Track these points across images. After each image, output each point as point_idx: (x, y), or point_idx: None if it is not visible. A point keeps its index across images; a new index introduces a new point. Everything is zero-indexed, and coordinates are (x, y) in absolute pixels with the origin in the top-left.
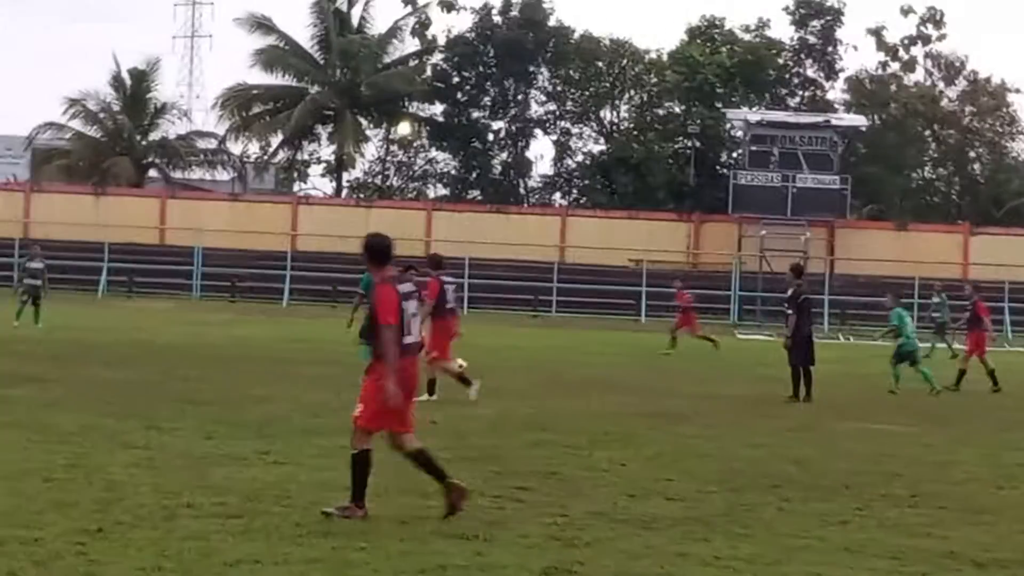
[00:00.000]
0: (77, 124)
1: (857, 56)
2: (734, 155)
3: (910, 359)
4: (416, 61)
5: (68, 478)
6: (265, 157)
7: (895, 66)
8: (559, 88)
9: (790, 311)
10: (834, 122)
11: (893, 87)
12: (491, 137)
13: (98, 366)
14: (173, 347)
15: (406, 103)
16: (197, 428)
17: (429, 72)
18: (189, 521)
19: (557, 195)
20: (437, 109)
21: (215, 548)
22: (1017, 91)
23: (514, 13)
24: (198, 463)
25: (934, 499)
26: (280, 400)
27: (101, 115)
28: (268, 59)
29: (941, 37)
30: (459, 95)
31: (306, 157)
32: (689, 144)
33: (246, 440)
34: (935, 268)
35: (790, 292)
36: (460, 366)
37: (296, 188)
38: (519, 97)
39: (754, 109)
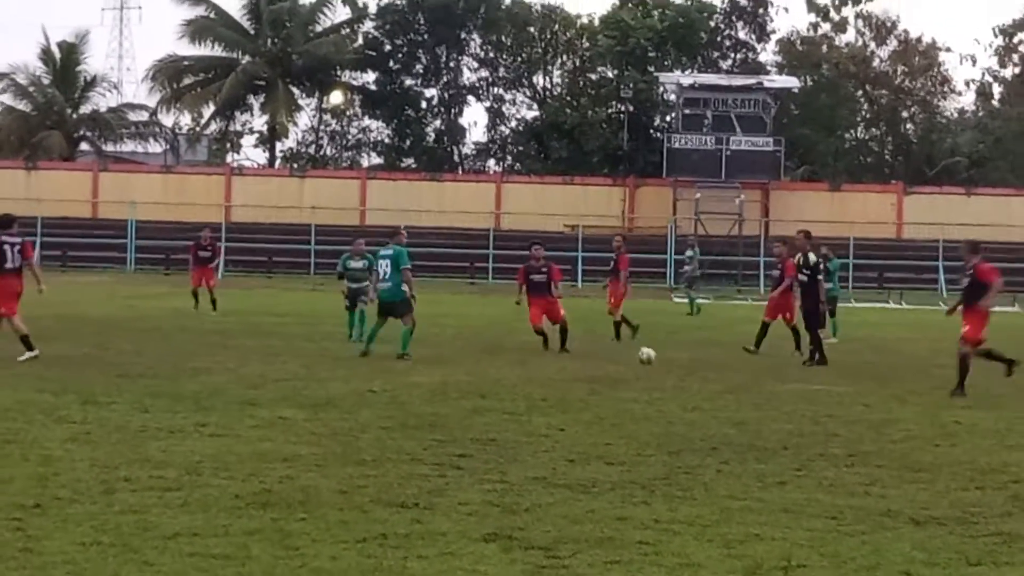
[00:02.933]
0: (7, 98)
1: (788, 18)
2: (667, 119)
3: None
4: (347, 29)
5: (4, 454)
6: (197, 128)
7: (826, 27)
8: (491, 55)
9: (810, 275)
10: (766, 84)
11: (824, 48)
12: (424, 105)
13: (32, 341)
14: (108, 321)
15: (338, 72)
16: (134, 402)
17: (361, 40)
18: (127, 495)
19: (491, 162)
20: (369, 77)
21: (154, 522)
22: (948, 50)
23: None
24: (135, 436)
25: (872, 458)
26: (217, 372)
27: (31, 89)
28: (198, 30)
29: None
30: (391, 63)
31: (239, 128)
32: (622, 109)
33: (183, 413)
34: (869, 228)
35: (812, 259)
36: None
37: (229, 159)
38: (451, 64)
39: (686, 72)
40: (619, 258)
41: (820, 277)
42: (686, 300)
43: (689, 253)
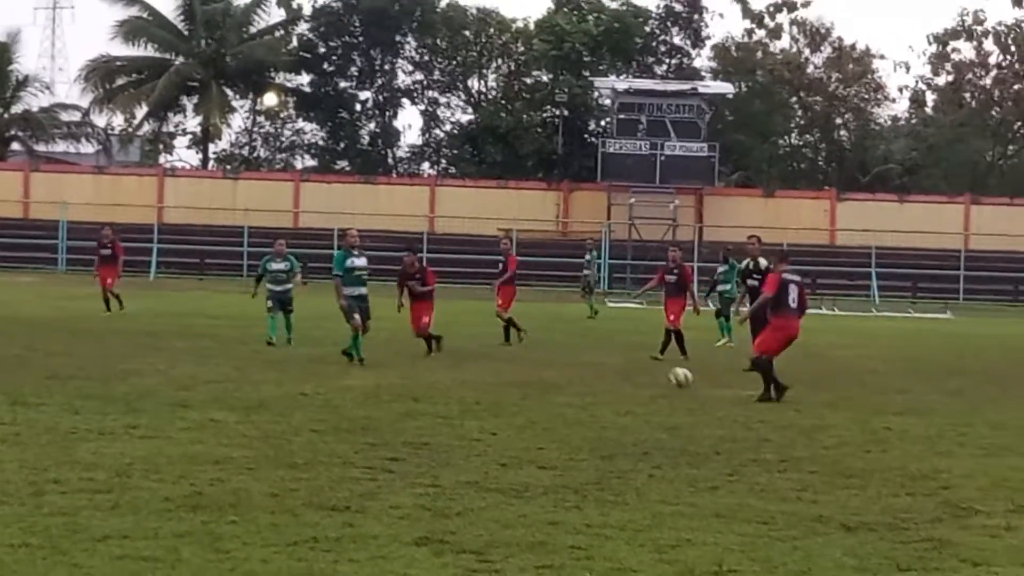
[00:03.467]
0: None
1: (723, 23)
2: (602, 123)
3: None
4: (282, 31)
5: None
6: (130, 129)
7: (761, 33)
8: (426, 58)
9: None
10: (701, 90)
11: (759, 54)
12: (358, 107)
13: None
14: (38, 321)
15: (272, 73)
16: (63, 403)
17: (295, 42)
18: (56, 497)
19: (426, 165)
20: (304, 79)
21: (83, 524)
22: (882, 57)
23: None
24: (65, 438)
25: (804, 464)
26: (148, 374)
27: None
28: (131, 30)
29: (806, 4)
30: (325, 65)
31: (172, 129)
32: (557, 113)
33: (114, 414)
34: (802, 234)
35: (763, 264)
36: None
37: (162, 160)
38: (386, 67)
39: (621, 77)
40: (507, 259)
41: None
42: (588, 304)
43: (587, 257)
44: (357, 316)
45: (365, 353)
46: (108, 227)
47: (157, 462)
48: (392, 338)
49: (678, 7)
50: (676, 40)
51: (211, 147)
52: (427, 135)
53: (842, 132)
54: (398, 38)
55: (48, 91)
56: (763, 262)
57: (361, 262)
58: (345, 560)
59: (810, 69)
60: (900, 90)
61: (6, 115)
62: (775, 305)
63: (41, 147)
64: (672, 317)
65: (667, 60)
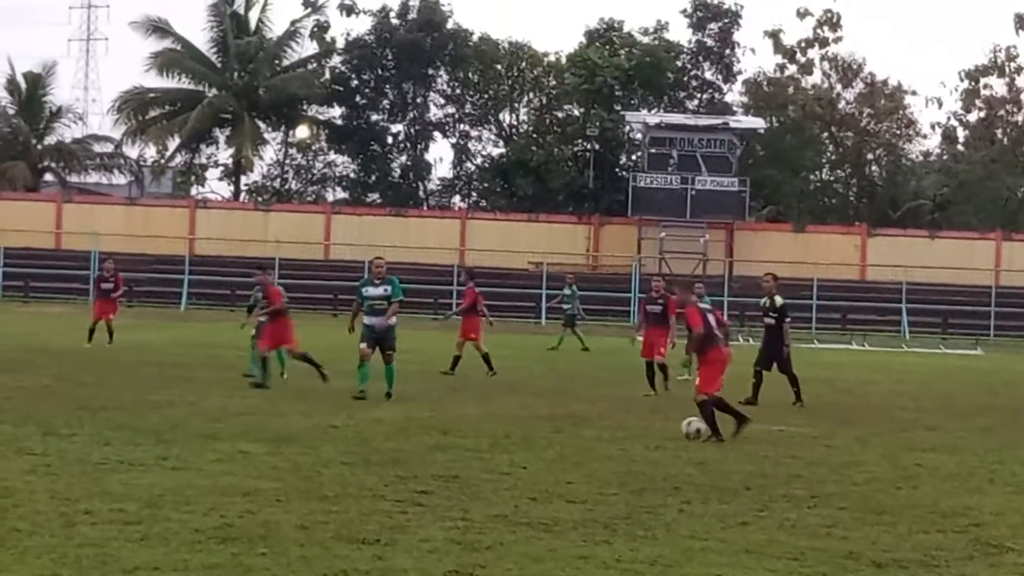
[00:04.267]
0: None
1: (755, 59)
2: (633, 158)
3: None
4: (314, 64)
5: None
6: (162, 161)
7: (792, 68)
8: (458, 91)
9: (778, 318)
10: (732, 124)
11: (791, 89)
12: (390, 140)
13: None
14: (70, 352)
15: (304, 106)
16: (94, 434)
17: (328, 75)
18: (87, 528)
19: (456, 198)
20: (336, 112)
21: (113, 555)
22: (914, 93)
23: (412, 16)
24: (95, 469)
25: (834, 500)
26: (178, 405)
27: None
28: (165, 62)
29: (838, 40)
30: (358, 98)
31: (204, 161)
32: (588, 147)
33: (144, 446)
34: (833, 269)
35: (779, 302)
36: None
37: (194, 192)
38: (418, 100)
39: (653, 112)
40: (466, 291)
41: (787, 319)
42: (569, 337)
43: (566, 291)
44: (363, 345)
45: (396, 386)
46: (110, 260)
47: (187, 494)
48: (421, 371)
49: (710, 42)
50: (708, 75)
51: (243, 179)
52: (458, 168)
53: (873, 167)
54: (430, 71)
55: (81, 122)
56: (779, 299)
57: (377, 292)
58: None
59: (841, 104)
60: (932, 126)
61: (40, 146)
62: (706, 339)
63: (74, 178)
64: (662, 350)
65: (698, 95)
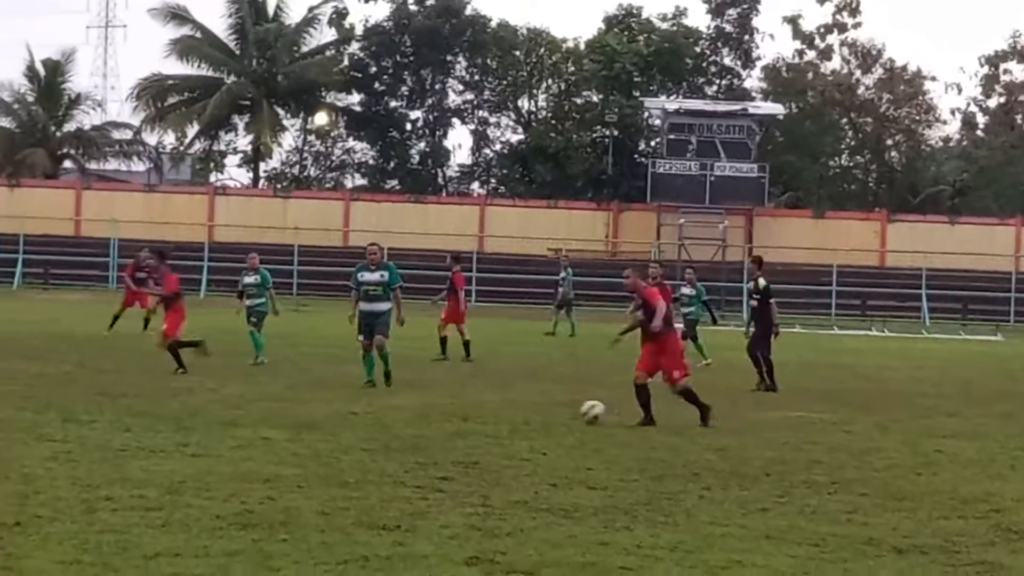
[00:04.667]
0: None
1: (773, 44)
2: (652, 144)
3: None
4: (333, 51)
5: None
6: (181, 148)
7: (811, 54)
8: (476, 77)
9: (761, 299)
10: (751, 110)
11: (810, 75)
12: (409, 126)
13: (14, 359)
14: (90, 339)
15: (323, 93)
16: (115, 421)
17: (346, 62)
18: (108, 514)
19: (475, 184)
20: (354, 99)
21: (134, 541)
22: (933, 79)
23: (431, 2)
24: (116, 456)
25: (855, 486)
26: (198, 392)
27: (15, 106)
28: (183, 49)
29: (857, 25)
30: (376, 84)
31: (223, 147)
32: (607, 133)
33: (164, 432)
34: (853, 255)
35: (762, 284)
36: None
37: (213, 179)
38: (436, 86)
39: (671, 98)
40: (453, 276)
41: (771, 301)
42: (564, 322)
43: (562, 275)
44: (361, 337)
45: (413, 373)
46: (146, 249)
47: (208, 480)
48: (440, 358)
49: (728, 28)
50: (727, 61)
51: (262, 166)
52: (477, 155)
53: (893, 153)
54: (449, 58)
55: (100, 109)
56: (762, 282)
57: (373, 277)
58: None
59: (861, 90)
60: (951, 112)
61: (59, 133)
62: (668, 321)
63: (93, 165)
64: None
65: (717, 81)
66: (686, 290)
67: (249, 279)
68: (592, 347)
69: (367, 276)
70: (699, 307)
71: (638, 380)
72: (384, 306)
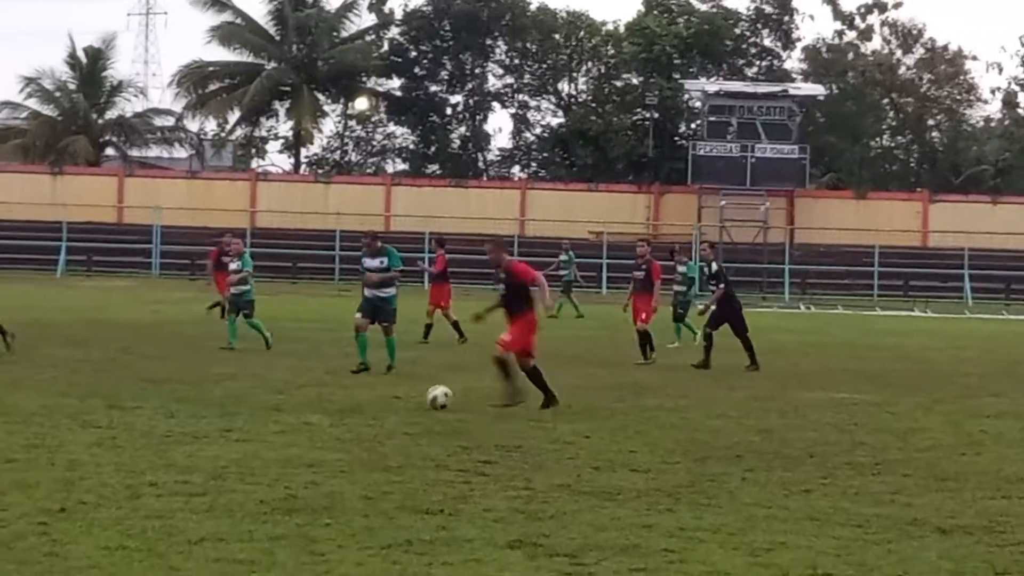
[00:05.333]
0: (33, 103)
1: (814, 25)
2: (692, 126)
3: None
4: (373, 35)
5: (30, 458)
6: (223, 134)
7: (852, 35)
8: (516, 61)
9: (719, 284)
10: (792, 92)
11: (850, 56)
12: (449, 111)
13: (59, 345)
14: (133, 326)
15: (363, 78)
16: (159, 407)
17: (386, 46)
18: (152, 500)
19: (516, 168)
20: (395, 83)
21: (179, 526)
22: (974, 58)
23: None
24: (161, 441)
25: (898, 466)
26: (242, 378)
27: (57, 94)
28: (224, 35)
29: (897, 5)
30: (416, 69)
31: (264, 133)
32: (647, 116)
33: (209, 418)
34: (895, 236)
35: (715, 268)
36: None
37: (254, 165)
38: (476, 70)
39: (712, 80)
40: (436, 258)
41: (723, 284)
42: (568, 304)
43: (563, 257)
44: (359, 315)
45: (455, 356)
46: (230, 234)
47: (252, 465)
48: (481, 342)
49: (768, 9)
50: (766, 42)
51: (303, 151)
52: (517, 138)
53: (934, 133)
54: (488, 42)
55: (142, 96)
56: (714, 266)
57: (373, 264)
58: (439, 563)
59: (902, 70)
60: (992, 91)
61: (101, 120)
62: (530, 299)
63: (135, 152)
64: (644, 316)
65: (757, 62)
66: (681, 268)
67: (234, 265)
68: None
69: (369, 263)
70: (693, 287)
71: (517, 362)
72: (387, 292)
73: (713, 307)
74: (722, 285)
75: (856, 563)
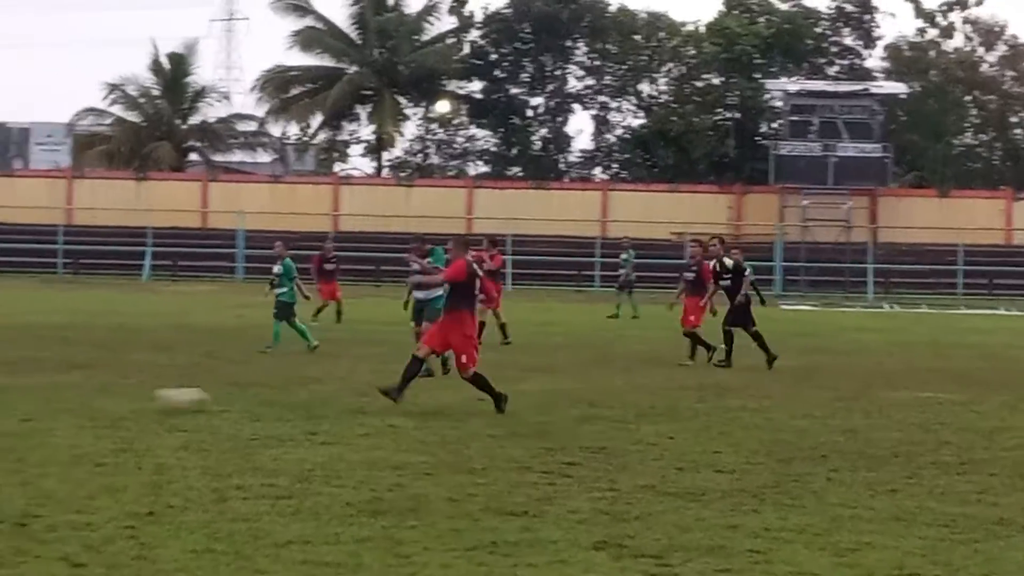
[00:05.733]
0: (117, 110)
1: (895, 23)
2: (774, 125)
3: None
4: (453, 38)
5: (118, 463)
6: (305, 138)
7: (933, 32)
8: (597, 62)
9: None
10: (873, 90)
11: (932, 54)
12: (530, 113)
13: (145, 350)
14: (217, 330)
15: (444, 81)
16: (245, 410)
17: (467, 49)
18: (239, 503)
19: (597, 170)
20: (476, 86)
21: (265, 529)
22: None
23: None
24: (247, 445)
25: (984, 466)
26: (327, 381)
27: (141, 100)
28: (305, 40)
29: (979, 2)
30: (497, 72)
31: (346, 137)
32: (729, 116)
33: (294, 421)
34: (978, 234)
35: (729, 263)
36: None
37: (336, 169)
38: (557, 72)
39: (793, 79)
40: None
41: (747, 273)
42: (627, 304)
43: (624, 256)
44: (412, 324)
45: (538, 358)
46: (330, 240)
47: (337, 468)
48: (565, 343)
49: (849, 7)
50: (847, 41)
51: (385, 155)
52: (598, 140)
53: (1017, 131)
54: (568, 43)
55: (225, 101)
56: (728, 261)
57: (275, 270)
58: (524, 564)
59: (984, 68)
60: None
61: (184, 126)
62: (464, 298)
63: (218, 157)
64: (692, 318)
65: (839, 61)
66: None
67: (275, 269)
68: (711, 332)
69: (414, 266)
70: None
71: (420, 353)
72: (432, 293)
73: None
74: (746, 274)
75: (942, 563)
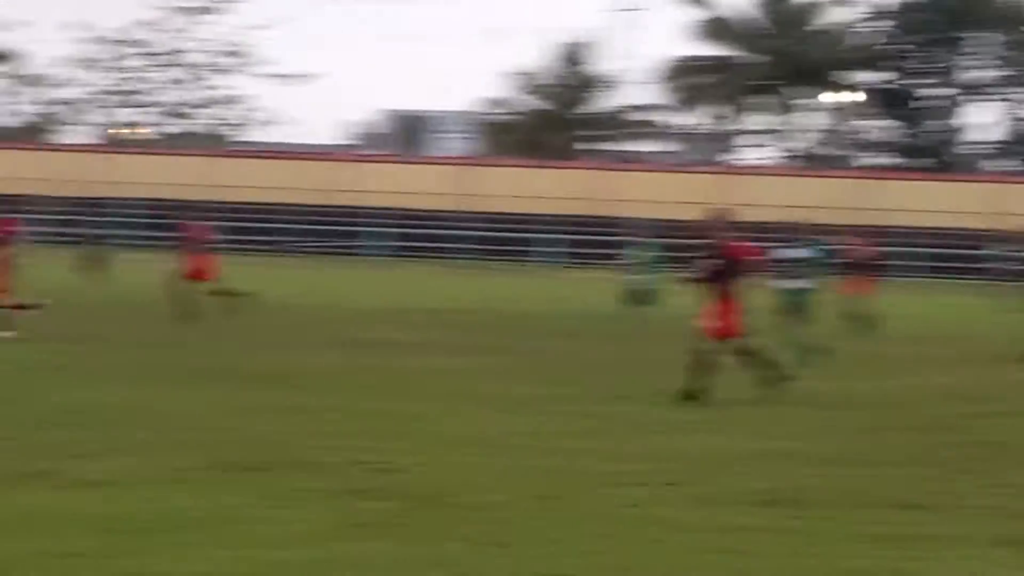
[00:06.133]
0: (524, 99)
1: None
2: None
3: None
4: (858, 28)
5: (525, 445)
6: (704, 127)
7: None
8: (1007, 52)
9: None
10: None
11: None
12: (933, 104)
13: (546, 337)
14: (618, 319)
15: (847, 70)
16: (646, 397)
17: (869, 39)
18: (633, 488)
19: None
20: (877, 77)
21: (655, 515)
22: None
23: None
24: (645, 431)
25: None
26: (727, 371)
27: (543, 89)
28: (704, 30)
29: None
30: (901, 61)
31: (745, 127)
32: None
33: (690, 408)
34: None
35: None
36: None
37: (735, 158)
38: (963, 63)
39: None
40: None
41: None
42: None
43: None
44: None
45: (943, 350)
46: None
47: (729, 457)
48: (955, 336)
49: None
50: None
51: (785, 144)
52: (1012, 131)
53: None
54: (977, 33)
55: (620, 91)
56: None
57: (794, 254)
58: (921, 558)
59: None
60: None
61: (581, 115)
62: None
63: (611, 146)
64: None
65: None
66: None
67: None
68: None
69: (790, 253)
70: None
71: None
72: (801, 284)
73: None
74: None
75: None
